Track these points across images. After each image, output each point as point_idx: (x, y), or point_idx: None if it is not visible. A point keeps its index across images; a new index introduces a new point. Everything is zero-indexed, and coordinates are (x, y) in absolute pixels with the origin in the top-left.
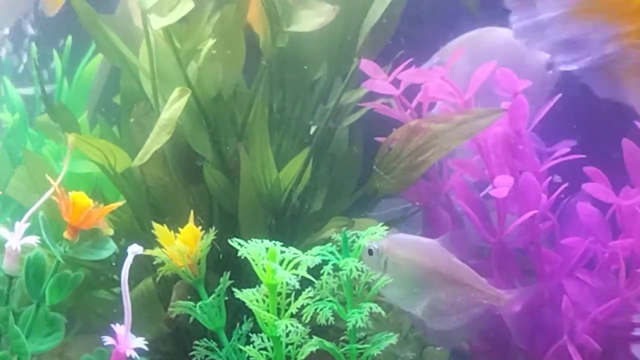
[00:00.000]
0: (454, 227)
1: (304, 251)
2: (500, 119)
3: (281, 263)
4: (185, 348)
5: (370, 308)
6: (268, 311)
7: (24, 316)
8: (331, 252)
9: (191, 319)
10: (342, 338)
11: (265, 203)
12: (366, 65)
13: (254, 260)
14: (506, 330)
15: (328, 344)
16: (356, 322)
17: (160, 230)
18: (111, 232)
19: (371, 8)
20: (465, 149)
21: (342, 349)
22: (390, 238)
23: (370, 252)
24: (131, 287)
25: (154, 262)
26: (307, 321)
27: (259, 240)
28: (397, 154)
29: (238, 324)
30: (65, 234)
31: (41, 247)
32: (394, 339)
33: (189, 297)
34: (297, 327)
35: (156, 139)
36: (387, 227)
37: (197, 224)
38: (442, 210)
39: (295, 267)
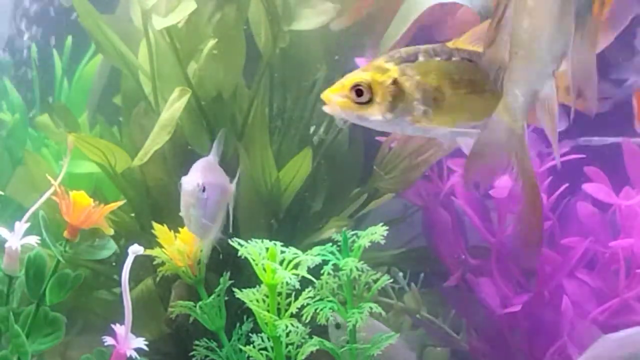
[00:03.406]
0: (454, 227)
1: (304, 251)
2: None
3: (281, 263)
4: (185, 348)
5: (370, 308)
6: (268, 311)
7: (24, 316)
8: (331, 252)
9: (191, 319)
10: (342, 338)
11: (265, 203)
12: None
13: (254, 260)
14: (506, 330)
15: (328, 344)
16: (356, 322)
17: (160, 230)
18: (111, 232)
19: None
20: None
21: (342, 349)
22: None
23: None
24: (131, 287)
25: (154, 262)
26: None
27: (259, 240)
28: (397, 153)
29: (238, 324)
30: (66, 234)
31: (41, 246)
32: (394, 339)
33: (188, 297)
34: (297, 327)
35: (156, 139)
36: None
37: None
38: (442, 210)
39: (295, 267)
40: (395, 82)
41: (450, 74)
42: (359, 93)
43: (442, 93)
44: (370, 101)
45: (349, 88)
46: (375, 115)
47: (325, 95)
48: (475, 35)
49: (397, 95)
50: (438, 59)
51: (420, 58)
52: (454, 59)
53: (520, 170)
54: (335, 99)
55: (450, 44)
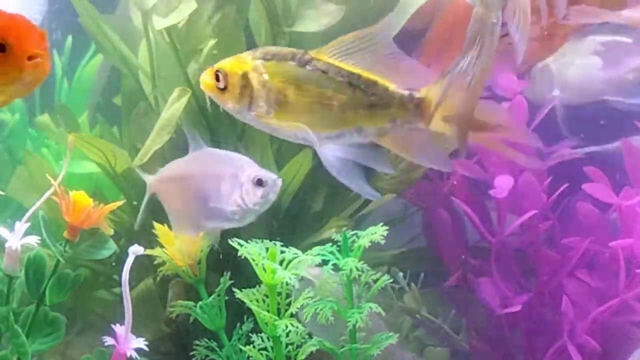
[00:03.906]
0: (454, 227)
1: (304, 251)
2: None
3: (281, 263)
4: (185, 348)
5: (370, 308)
6: (268, 311)
7: (24, 316)
8: (331, 252)
9: (191, 319)
10: (342, 337)
11: None
12: None
13: (254, 260)
14: (506, 330)
15: (328, 344)
16: (356, 322)
17: (160, 230)
18: (111, 232)
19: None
20: None
21: (342, 349)
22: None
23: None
24: (131, 287)
25: (154, 262)
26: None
27: (259, 240)
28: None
29: (238, 324)
30: (66, 234)
31: (41, 246)
32: (394, 339)
33: (186, 295)
34: (297, 327)
35: (156, 139)
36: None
37: None
38: (442, 210)
39: (295, 267)
40: (245, 75)
41: (298, 80)
42: (217, 79)
43: (285, 96)
44: (225, 89)
45: (212, 73)
46: (227, 104)
47: (201, 76)
48: (336, 47)
49: (245, 88)
50: (292, 63)
51: (275, 59)
52: (307, 67)
53: (479, 58)
54: (204, 80)
55: (313, 53)
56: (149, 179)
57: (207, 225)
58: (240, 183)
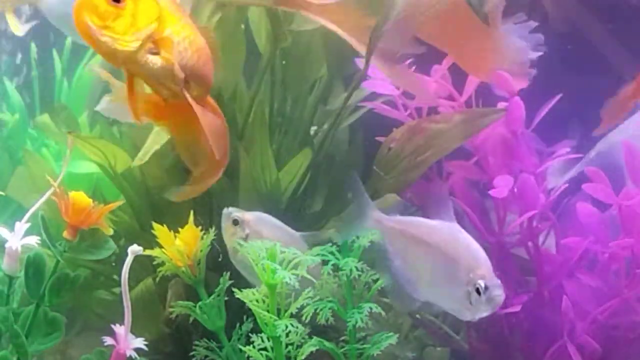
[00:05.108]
0: None
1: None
2: (499, 120)
3: (281, 263)
4: (185, 348)
5: (370, 308)
6: (268, 311)
7: (24, 316)
8: (331, 252)
9: (191, 319)
10: (342, 338)
11: (265, 203)
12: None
13: (254, 260)
14: (506, 330)
15: (328, 344)
16: (356, 322)
17: (160, 230)
18: (111, 232)
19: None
20: None
21: (342, 349)
22: (256, 215)
23: (235, 221)
24: (131, 287)
25: (154, 262)
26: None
27: (259, 240)
28: (397, 154)
29: (238, 324)
30: (65, 234)
31: (41, 247)
32: (394, 339)
33: (185, 295)
34: (297, 327)
35: (156, 139)
36: None
37: (197, 224)
38: None
39: (295, 267)
40: None
41: None
42: None
43: None
44: None
45: None
46: None
47: None
48: None
49: None
50: None
51: None
52: None
53: None
54: None
55: None
56: (377, 213)
57: (420, 298)
58: (467, 281)
